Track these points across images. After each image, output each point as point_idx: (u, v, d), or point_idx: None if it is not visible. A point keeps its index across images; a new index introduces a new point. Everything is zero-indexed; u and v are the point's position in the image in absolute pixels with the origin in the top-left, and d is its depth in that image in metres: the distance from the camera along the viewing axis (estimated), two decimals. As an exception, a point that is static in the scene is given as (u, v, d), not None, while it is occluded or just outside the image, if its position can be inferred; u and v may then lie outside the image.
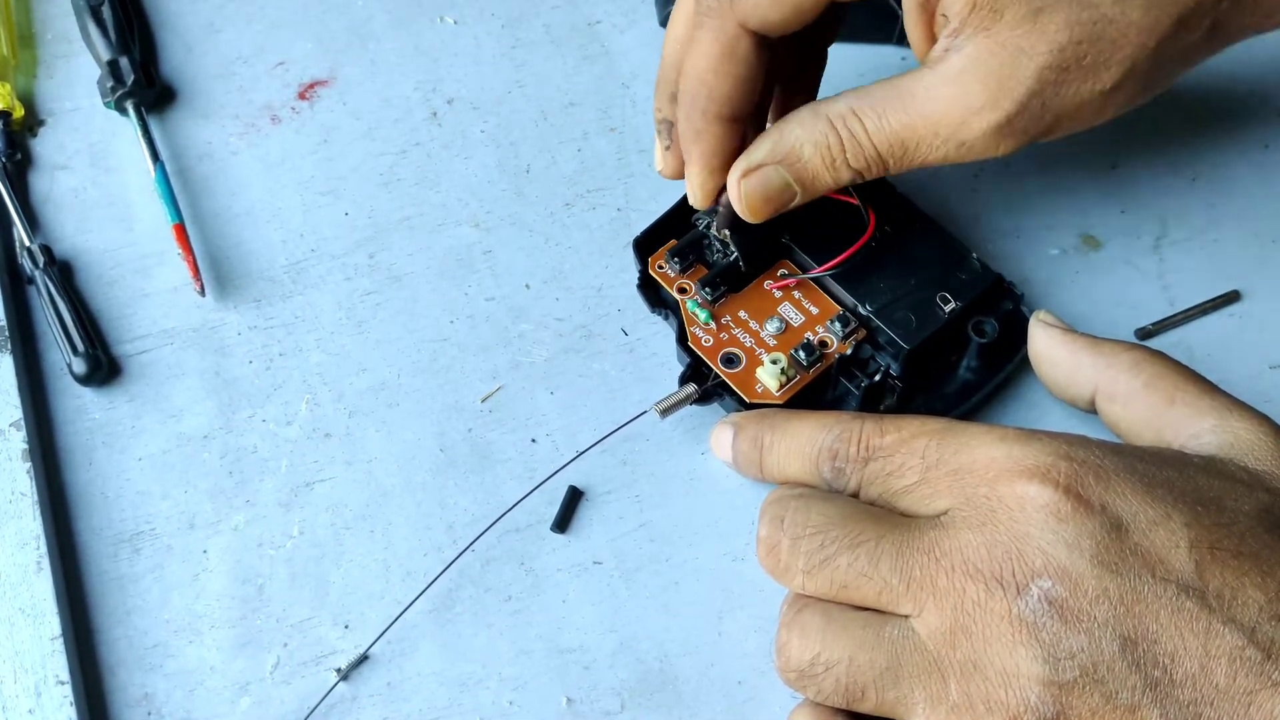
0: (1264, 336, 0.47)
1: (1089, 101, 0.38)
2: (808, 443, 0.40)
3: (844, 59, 0.54)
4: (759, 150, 0.40)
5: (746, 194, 0.41)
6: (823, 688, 0.36)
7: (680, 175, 0.44)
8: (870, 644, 0.36)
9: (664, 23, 0.54)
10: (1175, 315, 0.47)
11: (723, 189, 0.42)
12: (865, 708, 0.36)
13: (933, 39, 0.39)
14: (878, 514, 0.38)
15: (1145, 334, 0.47)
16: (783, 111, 0.44)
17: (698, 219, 0.46)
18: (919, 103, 0.38)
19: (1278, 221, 0.50)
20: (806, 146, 0.40)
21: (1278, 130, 0.52)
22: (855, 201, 0.45)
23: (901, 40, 0.54)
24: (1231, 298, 0.48)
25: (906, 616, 0.36)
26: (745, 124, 0.42)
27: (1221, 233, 0.49)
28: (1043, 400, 0.45)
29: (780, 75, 0.44)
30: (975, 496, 0.36)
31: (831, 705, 0.37)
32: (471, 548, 0.42)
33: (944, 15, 0.38)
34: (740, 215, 0.41)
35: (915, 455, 0.37)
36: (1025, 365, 0.45)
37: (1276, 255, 0.49)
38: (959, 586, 0.35)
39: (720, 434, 0.43)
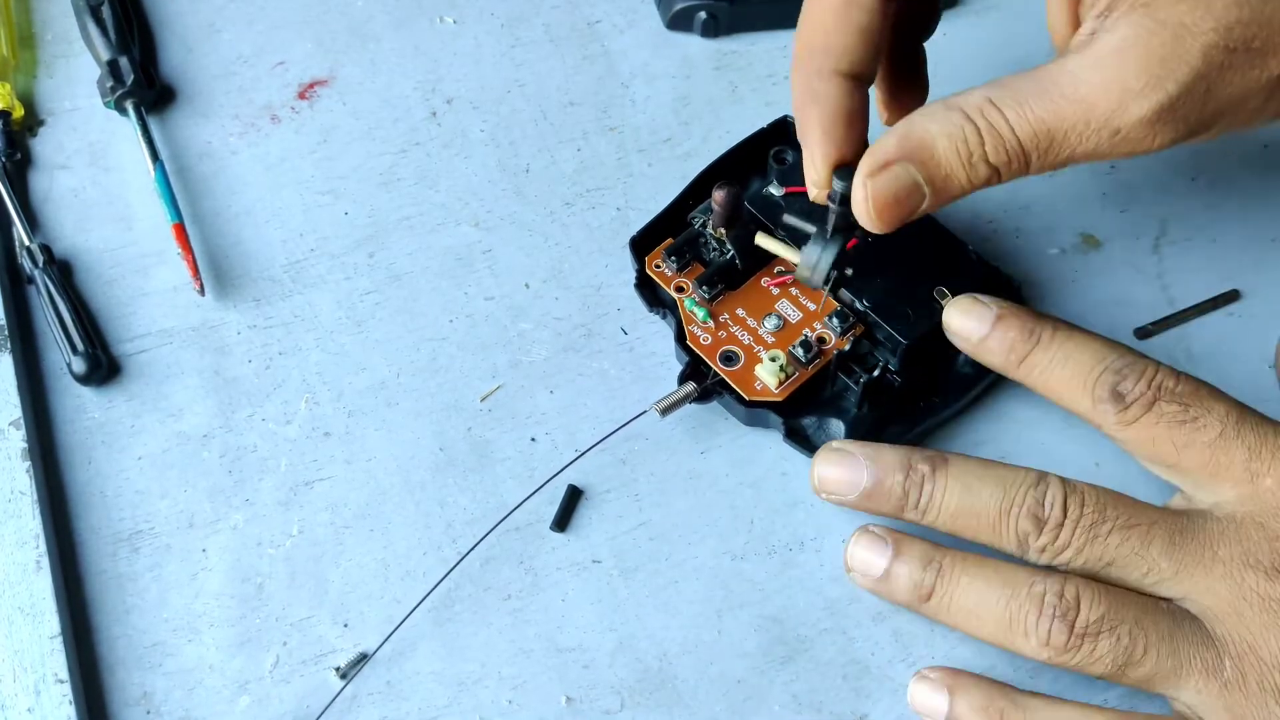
0: (1264, 336, 0.47)
1: (1254, 92, 0.34)
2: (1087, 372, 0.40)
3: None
4: (885, 145, 0.36)
5: (874, 194, 0.36)
6: (1099, 648, 0.36)
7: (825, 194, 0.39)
8: (1153, 610, 0.37)
9: (667, 23, 0.54)
10: (1175, 315, 0.47)
11: (841, 176, 0.38)
12: (1136, 674, 0.37)
13: (1076, 23, 0.36)
14: (1143, 503, 0.38)
15: (1145, 333, 0.47)
16: (891, 93, 0.42)
17: (693, 217, 0.46)
18: (1066, 89, 0.34)
19: (1278, 221, 0.50)
20: (940, 140, 0.35)
21: (1278, 130, 0.52)
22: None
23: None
24: (1231, 297, 0.48)
25: (1169, 600, 0.37)
26: (866, 90, 0.38)
27: (1221, 233, 0.49)
28: (1043, 399, 0.45)
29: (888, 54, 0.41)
30: (1261, 491, 0.37)
31: (1096, 670, 0.37)
32: (469, 553, 0.42)
33: None
34: (865, 224, 0.37)
35: (1212, 430, 0.38)
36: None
37: (1276, 255, 0.49)
38: (1237, 575, 0.36)
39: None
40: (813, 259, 0.40)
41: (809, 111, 0.38)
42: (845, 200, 0.38)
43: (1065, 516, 0.38)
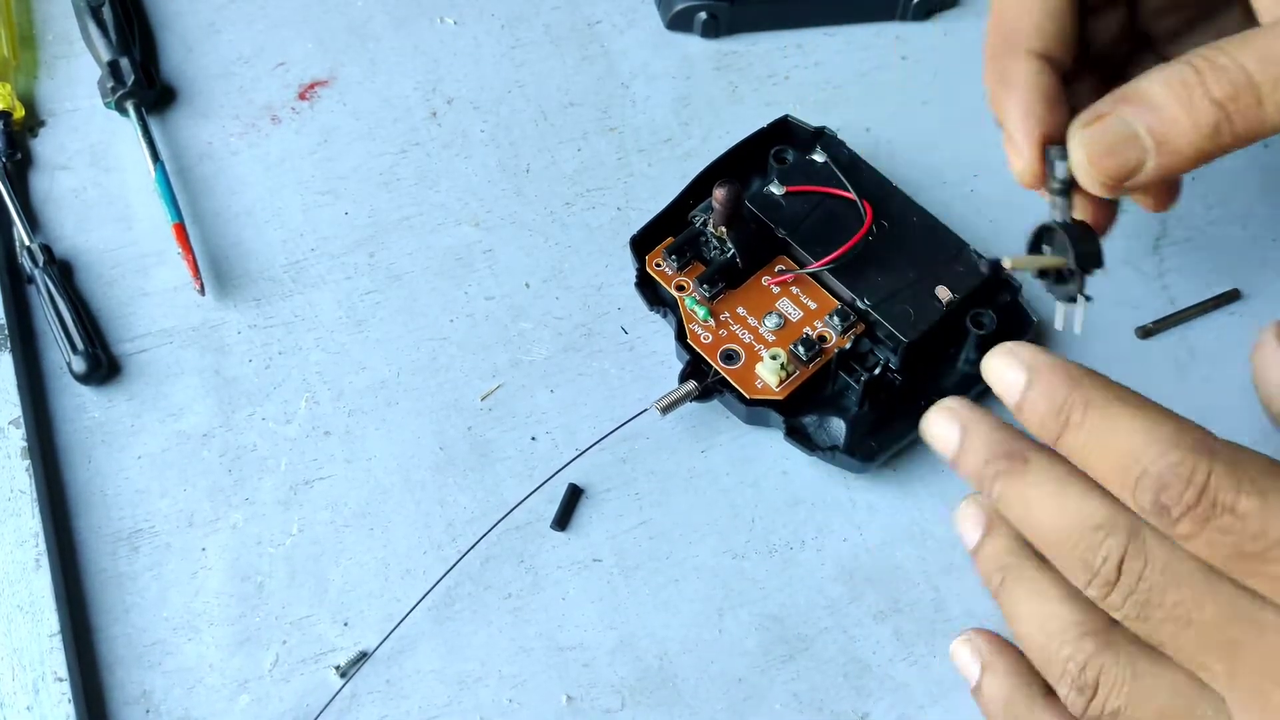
0: (1264, 334, 0.47)
1: None
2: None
3: (845, 39, 0.54)
4: (1101, 102, 0.33)
5: (1088, 143, 0.33)
6: None
7: (1038, 179, 0.36)
8: (1182, 717, 0.31)
9: (667, 23, 0.54)
10: (1175, 314, 0.47)
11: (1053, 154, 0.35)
12: None
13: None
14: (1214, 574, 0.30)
15: (1146, 333, 0.47)
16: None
17: (694, 216, 0.46)
18: None
19: (1278, 221, 0.50)
20: (1156, 85, 0.32)
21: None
22: (852, 196, 0.45)
23: (904, 15, 0.54)
24: (1231, 296, 0.48)
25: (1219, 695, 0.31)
26: (1062, 75, 0.36)
27: (1221, 232, 0.49)
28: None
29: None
30: None
31: None
32: (468, 552, 0.42)
33: None
34: (1086, 184, 0.34)
35: None
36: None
37: (1276, 255, 0.49)
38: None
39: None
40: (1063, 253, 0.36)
41: (1005, 94, 0.36)
42: (1065, 186, 0.35)
43: (1118, 578, 0.31)
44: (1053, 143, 0.35)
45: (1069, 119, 0.35)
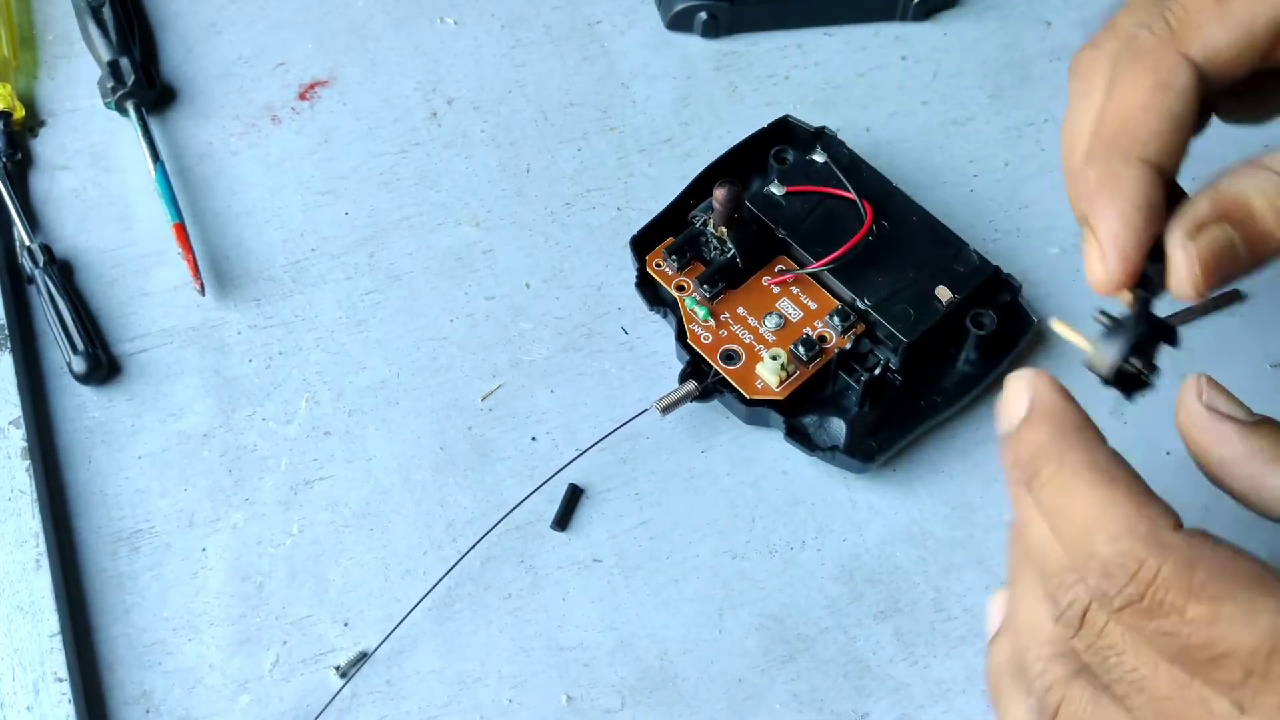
0: (1265, 335, 0.47)
1: None
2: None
3: (845, 39, 0.54)
4: (1199, 207, 0.33)
5: (1200, 255, 0.32)
6: None
7: (1127, 280, 0.34)
8: None
9: (667, 23, 0.54)
10: (1176, 314, 0.47)
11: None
12: None
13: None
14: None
15: (1146, 332, 0.47)
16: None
17: (694, 216, 0.46)
18: None
19: (1278, 220, 0.49)
20: (1255, 198, 0.32)
21: (1278, 129, 0.52)
22: (852, 196, 0.45)
23: (904, 15, 0.54)
24: (1232, 297, 0.48)
25: None
26: (1168, 184, 0.34)
27: (1222, 231, 0.49)
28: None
29: None
30: None
31: None
32: (469, 552, 0.42)
33: None
34: (1183, 289, 0.33)
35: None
36: (1024, 357, 0.45)
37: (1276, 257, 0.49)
38: None
39: None
40: (1106, 348, 0.34)
41: (1104, 197, 0.33)
42: (1148, 285, 0.34)
43: (1080, 627, 0.29)
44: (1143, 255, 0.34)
45: (1162, 232, 0.33)
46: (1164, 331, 0.34)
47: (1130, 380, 0.34)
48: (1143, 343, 0.34)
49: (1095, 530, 0.28)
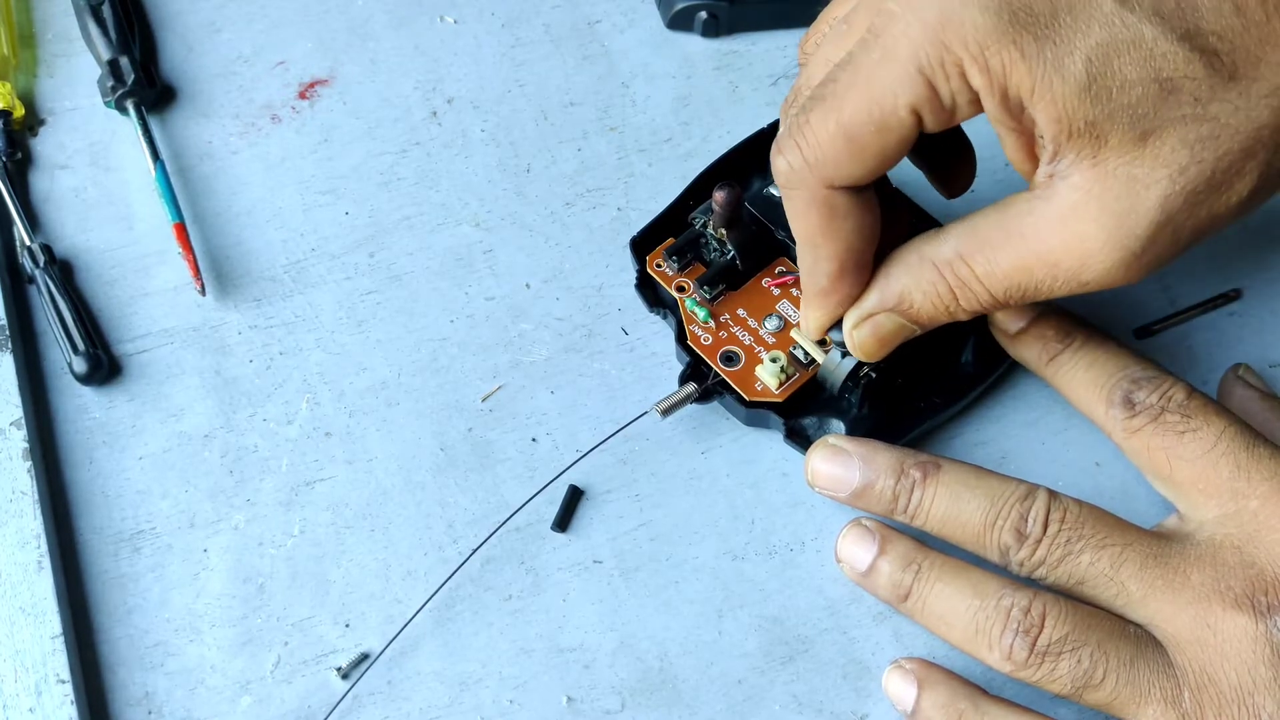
0: (1264, 335, 0.47)
1: (1224, 216, 0.33)
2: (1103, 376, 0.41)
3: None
4: (869, 300, 0.39)
5: (860, 343, 0.40)
6: (1059, 668, 0.36)
7: (826, 333, 0.41)
8: (1118, 634, 0.37)
9: (667, 23, 0.54)
10: (1176, 314, 0.47)
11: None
12: (1094, 698, 0.36)
13: (1035, 159, 0.35)
14: (1127, 523, 0.38)
15: (1146, 333, 0.47)
16: (943, 181, 0.43)
17: (694, 218, 0.46)
18: (1031, 242, 0.35)
19: (1278, 221, 0.50)
20: (916, 294, 0.38)
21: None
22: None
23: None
24: (1231, 296, 0.48)
25: (1138, 624, 0.37)
26: (866, 264, 0.39)
27: (1222, 233, 0.49)
28: (1043, 397, 0.45)
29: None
30: (1244, 512, 0.37)
31: (1055, 689, 0.37)
32: (471, 556, 0.42)
33: (1040, 138, 0.34)
34: (854, 354, 0.41)
35: (1205, 443, 0.38)
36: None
37: (1276, 255, 0.49)
38: (1203, 603, 0.36)
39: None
40: (834, 362, 0.43)
41: (818, 298, 0.40)
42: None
43: (1045, 532, 0.38)
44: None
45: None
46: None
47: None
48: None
49: (1130, 363, 0.41)
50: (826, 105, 0.35)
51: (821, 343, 0.43)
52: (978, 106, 0.34)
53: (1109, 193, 0.33)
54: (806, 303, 0.40)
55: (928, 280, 0.37)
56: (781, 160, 0.36)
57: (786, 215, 0.38)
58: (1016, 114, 0.33)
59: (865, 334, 0.39)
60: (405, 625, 0.41)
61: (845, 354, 0.42)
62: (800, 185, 0.37)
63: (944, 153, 0.42)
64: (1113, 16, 0.32)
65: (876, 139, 0.34)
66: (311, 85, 0.53)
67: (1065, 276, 0.35)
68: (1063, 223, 0.34)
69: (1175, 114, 0.32)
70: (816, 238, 0.38)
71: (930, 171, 0.43)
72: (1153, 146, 0.32)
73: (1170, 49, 0.32)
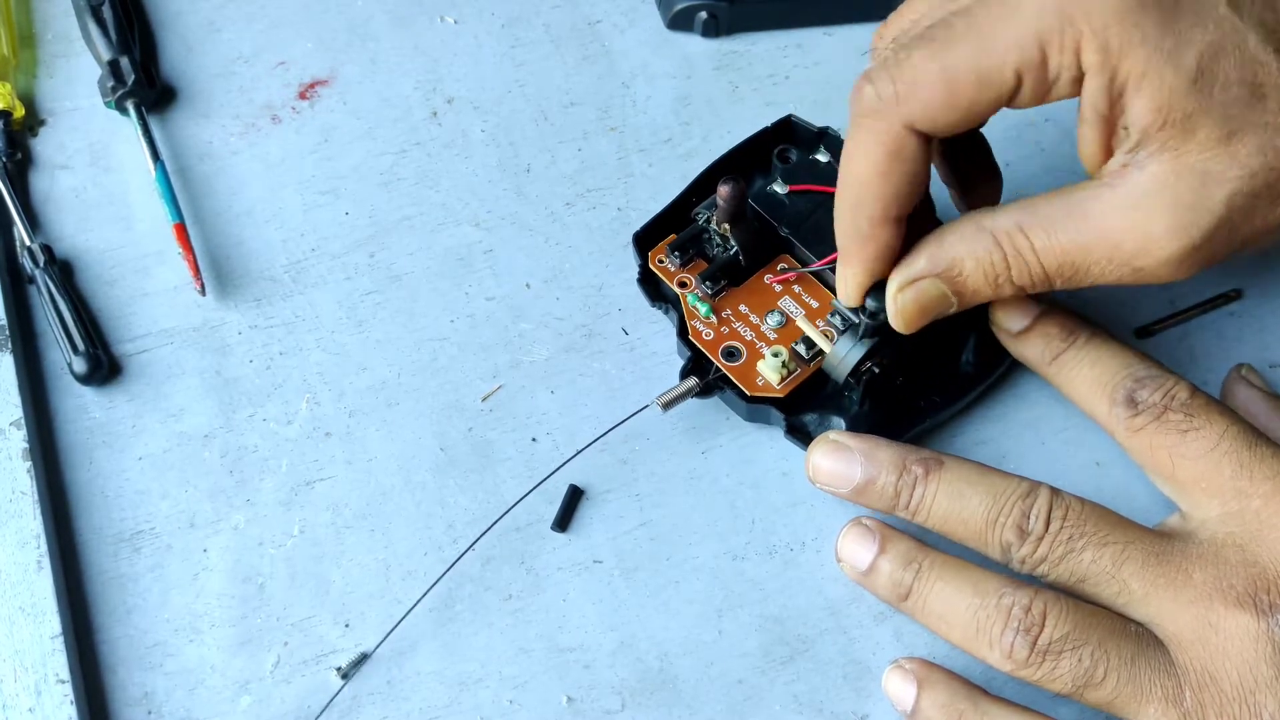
0: (1265, 335, 0.47)
1: (1269, 228, 0.35)
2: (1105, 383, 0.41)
3: (845, 39, 0.54)
4: (917, 262, 0.38)
5: (902, 307, 0.39)
6: (1059, 667, 0.36)
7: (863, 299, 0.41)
8: (1119, 633, 0.37)
9: (667, 23, 0.54)
10: (1176, 314, 0.47)
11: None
12: (1096, 696, 0.36)
13: (1109, 151, 0.36)
14: (1129, 521, 0.38)
15: (1146, 332, 0.47)
16: (962, 188, 0.43)
17: (697, 213, 0.46)
18: (1094, 223, 0.36)
19: (1278, 220, 0.50)
20: (968, 262, 0.38)
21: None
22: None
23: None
24: (1232, 296, 0.48)
25: (1139, 623, 0.37)
26: (905, 222, 0.39)
27: (1260, 247, 0.49)
28: (1043, 397, 0.45)
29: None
30: (1246, 511, 0.37)
31: (1056, 687, 0.37)
32: (472, 547, 0.42)
33: (1125, 128, 0.35)
34: (896, 328, 0.40)
35: (1207, 442, 0.38)
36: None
37: (1277, 255, 0.49)
38: (1205, 602, 0.36)
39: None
40: (840, 353, 0.42)
41: (854, 250, 0.39)
42: (874, 315, 0.40)
43: (1047, 529, 0.38)
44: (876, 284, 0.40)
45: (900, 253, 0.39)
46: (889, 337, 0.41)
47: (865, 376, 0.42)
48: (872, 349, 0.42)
49: (1133, 362, 0.41)
50: (935, 46, 0.36)
51: (828, 336, 0.43)
52: (1076, 88, 0.35)
53: (1183, 183, 0.34)
54: (844, 259, 0.40)
55: (983, 248, 0.37)
56: (870, 89, 0.37)
57: (844, 151, 0.38)
58: (1115, 99, 0.35)
59: (908, 298, 0.39)
60: (402, 619, 0.41)
61: (851, 345, 0.42)
62: (880, 117, 0.37)
63: (976, 170, 0.43)
64: (1225, 18, 0.34)
65: (973, 91, 0.35)
66: (311, 85, 0.53)
67: (1121, 260, 0.36)
68: (1132, 208, 0.35)
69: (1259, 119, 0.34)
70: (873, 177, 0.37)
71: (959, 188, 0.43)
72: (1233, 146, 0.34)
73: (1268, 58, 0.34)
